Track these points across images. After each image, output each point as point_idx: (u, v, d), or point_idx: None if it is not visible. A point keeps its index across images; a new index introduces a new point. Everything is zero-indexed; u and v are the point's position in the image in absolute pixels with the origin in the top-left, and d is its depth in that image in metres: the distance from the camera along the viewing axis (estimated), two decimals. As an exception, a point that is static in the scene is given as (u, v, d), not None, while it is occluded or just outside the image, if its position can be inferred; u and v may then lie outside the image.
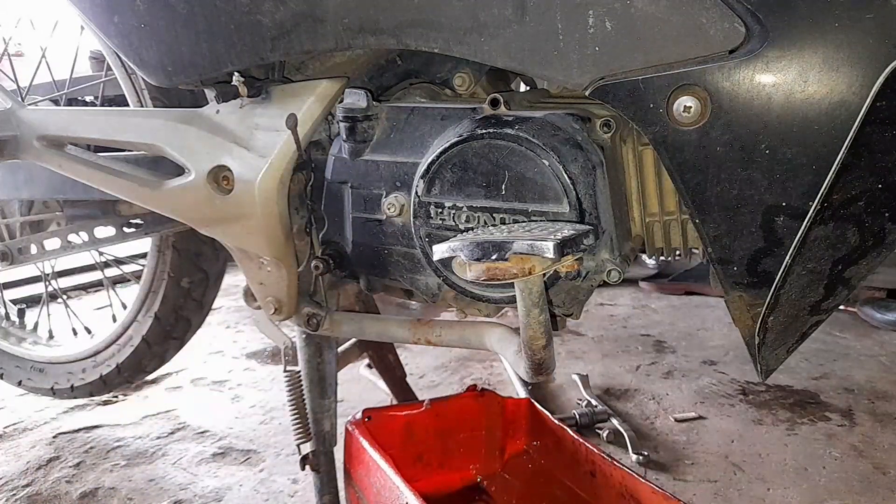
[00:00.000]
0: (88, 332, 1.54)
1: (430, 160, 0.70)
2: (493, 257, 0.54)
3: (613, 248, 0.68)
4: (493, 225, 0.68)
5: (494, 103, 0.69)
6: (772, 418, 1.49)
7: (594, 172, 0.65)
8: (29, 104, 1.10)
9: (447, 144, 0.69)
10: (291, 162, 0.80)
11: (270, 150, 0.79)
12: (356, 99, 0.72)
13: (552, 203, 0.66)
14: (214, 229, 0.87)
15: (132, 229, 1.29)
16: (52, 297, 1.65)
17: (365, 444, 0.93)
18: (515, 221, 0.67)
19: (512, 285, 0.70)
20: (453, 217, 0.70)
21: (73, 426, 1.56)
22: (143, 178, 0.92)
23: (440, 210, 0.71)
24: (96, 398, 1.65)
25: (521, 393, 1.58)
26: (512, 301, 0.72)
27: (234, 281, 2.41)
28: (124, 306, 1.44)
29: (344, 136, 0.76)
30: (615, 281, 0.67)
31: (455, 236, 0.60)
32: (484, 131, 0.67)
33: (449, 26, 0.64)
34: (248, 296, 0.93)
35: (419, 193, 0.71)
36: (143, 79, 0.86)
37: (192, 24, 0.75)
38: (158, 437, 1.50)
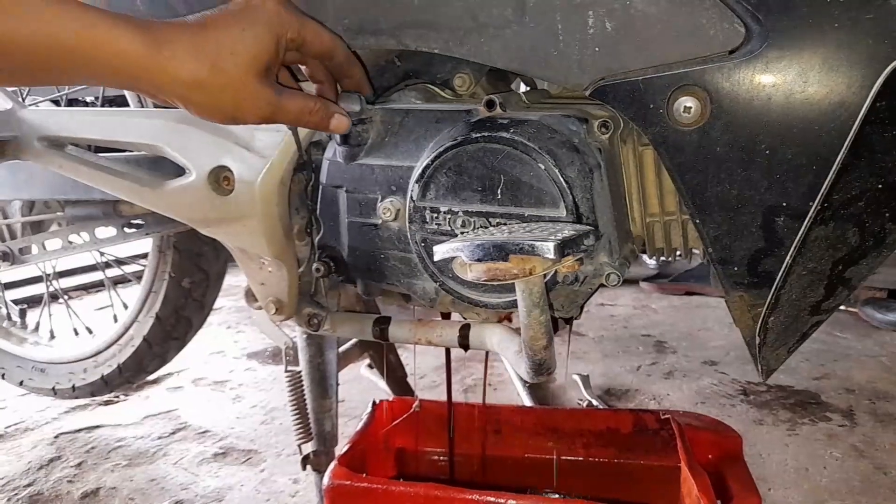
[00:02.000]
0: (90, 332, 1.54)
1: (424, 164, 0.69)
2: (494, 258, 0.54)
3: (612, 252, 0.67)
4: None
5: (490, 105, 0.68)
6: (772, 418, 1.49)
7: (591, 175, 0.65)
8: (29, 105, 1.11)
9: (441, 148, 0.68)
10: (292, 162, 0.80)
11: (271, 151, 0.79)
12: (349, 102, 0.71)
13: (549, 207, 0.65)
14: (215, 230, 0.87)
15: (133, 230, 1.29)
16: (54, 297, 1.65)
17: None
18: (512, 226, 0.67)
19: (509, 290, 0.70)
20: (449, 222, 0.70)
21: (74, 426, 1.56)
22: (144, 179, 0.92)
23: (436, 215, 0.70)
24: (98, 398, 1.65)
25: (522, 393, 1.58)
26: (509, 306, 0.72)
27: (234, 281, 2.41)
28: (125, 306, 1.45)
29: (338, 141, 0.75)
30: (614, 285, 0.67)
31: (451, 241, 0.60)
32: (478, 135, 0.66)
33: (449, 27, 0.64)
34: (249, 296, 0.93)
35: (414, 198, 0.71)
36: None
37: (192, 24, 0.75)
38: (160, 437, 1.50)
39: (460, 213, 0.69)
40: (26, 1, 0.50)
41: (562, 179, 0.64)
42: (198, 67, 0.56)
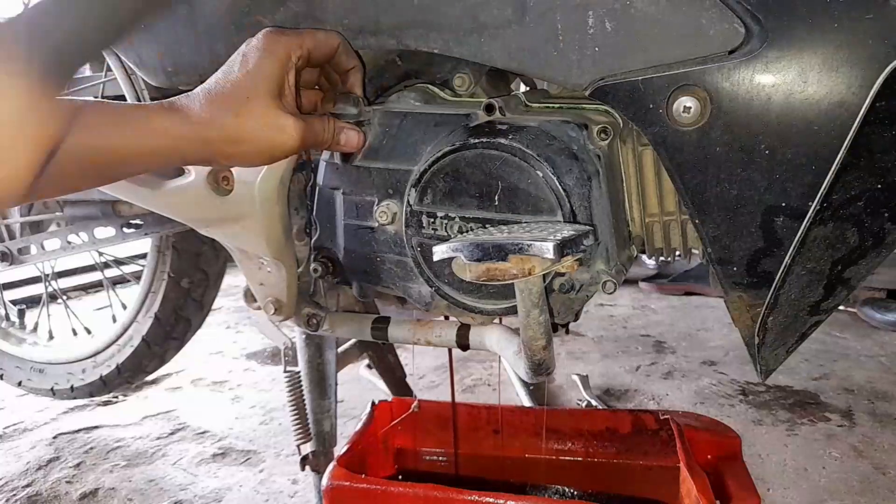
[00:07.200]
0: (88, 332, 1.54)
1: (421, 169, 0.68)
2: (493, 258, 0.54)
3: (609, 259, 0.67)
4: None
5: (489, 109, 0.67)
6: (772, 419, 1.49)
7: (590, 183, 0.65)
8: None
9: (439, 153, 0.67)
10: (291, 162, 0.80)
11: (270, 151, 0.79)
12: (346, 104, 0.71)
13: (546, 215, 0.65)
14: (214, 230, 0.87)
15: (132, 230, 1.28)
16: (52, 297, 1.65)
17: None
18: (509, 233, 0.66)
19: (505, 295, 0.70)
20: (445, 227, 0.69)
21: (73, 427, 1.56)
22: (143, 178, 0.92)
23: (432, 220, 0.69)
24: (96, 399, 1.65)
25: (521, 393, 1.58)
26: (506, 312, 0.72)
27: (233, 281, 2.41)
28: (124, 307, 1.45)
29: None
30: (610, 292, 0.67)
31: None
32: (477, 140, 0.66)
33: (449, 27, 0.63)
34: (248, 296, 0.93)
35: (411, 202, 0.70)
36: (143, 79, 0.85)
37: (191, 24, 0.75)
38: (158, 438, 1.50)
39: (457, 219, 0.68)
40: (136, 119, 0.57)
41: (559, 187, 0.63)
42: (224, 124, 0.60)
